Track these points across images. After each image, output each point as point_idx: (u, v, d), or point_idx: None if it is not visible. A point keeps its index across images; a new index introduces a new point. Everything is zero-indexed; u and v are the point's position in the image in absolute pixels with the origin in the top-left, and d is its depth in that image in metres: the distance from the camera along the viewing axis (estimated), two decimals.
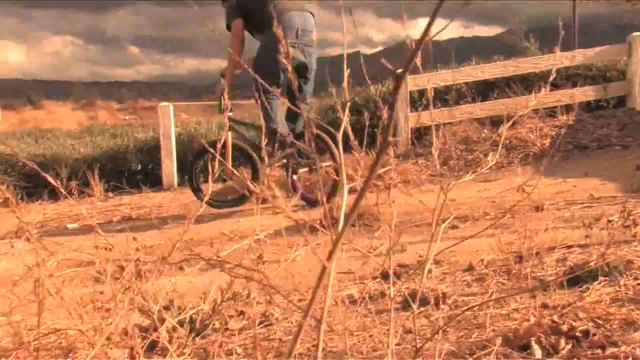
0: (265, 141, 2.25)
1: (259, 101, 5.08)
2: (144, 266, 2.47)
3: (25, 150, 9.89)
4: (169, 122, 8.80)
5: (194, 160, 6.41)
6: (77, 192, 8.16)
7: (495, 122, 8.20)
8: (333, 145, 5.67)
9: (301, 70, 5.97)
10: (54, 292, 2.31)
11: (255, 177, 6.05)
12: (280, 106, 6.09)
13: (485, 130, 8.03)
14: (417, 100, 8.90)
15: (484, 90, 8.98)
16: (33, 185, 8.44)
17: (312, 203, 6.04)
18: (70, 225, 6.53)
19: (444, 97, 9.18)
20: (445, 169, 6.94)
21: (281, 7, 5.83)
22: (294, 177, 6.12)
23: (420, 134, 8.54)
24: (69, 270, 2.82)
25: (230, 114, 6.26)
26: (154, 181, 9.15)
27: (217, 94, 6.29)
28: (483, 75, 8.55)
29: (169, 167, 8.86)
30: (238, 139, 6.12)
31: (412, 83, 8.28)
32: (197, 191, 6.27)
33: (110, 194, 8.08)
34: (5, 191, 2.03)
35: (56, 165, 8.54)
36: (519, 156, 6.92)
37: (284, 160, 6.09)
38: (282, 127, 5.97)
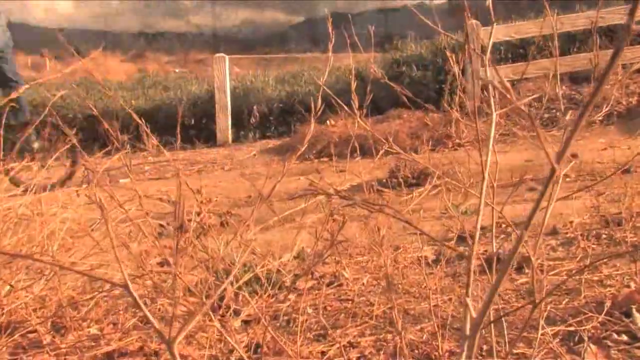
0: None
1: None
2: (209, 220, 2.50)
3: (76, 101, 10.09)
4: (224, 74, 8.83)
5: None
6: (130, 146, 8.34)
7: (575, 78, 7.97)
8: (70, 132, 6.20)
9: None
10: (121, 245, 2.37)
11: None
12: None
13: (564, 87, 7.82)
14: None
15: (563, 43, 8.69)
16: (84, 137, 8.61)
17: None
18: (122, 180, 6.65)
19: (518, 50, 8.97)
20: (518, 128, 6.81)
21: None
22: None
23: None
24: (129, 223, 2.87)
25: None
26: (208, 136, 9.24)
27: None
28: (563, 27, 8.24)
29: (224, 122, 8.92)
30: None
31: (482, 35, 8.08)
32: None
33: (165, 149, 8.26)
34: (73, 138, 2.07)
35: (107, 117, 8.68)
36: (602, 115, 6.72)
37: None
38: None
